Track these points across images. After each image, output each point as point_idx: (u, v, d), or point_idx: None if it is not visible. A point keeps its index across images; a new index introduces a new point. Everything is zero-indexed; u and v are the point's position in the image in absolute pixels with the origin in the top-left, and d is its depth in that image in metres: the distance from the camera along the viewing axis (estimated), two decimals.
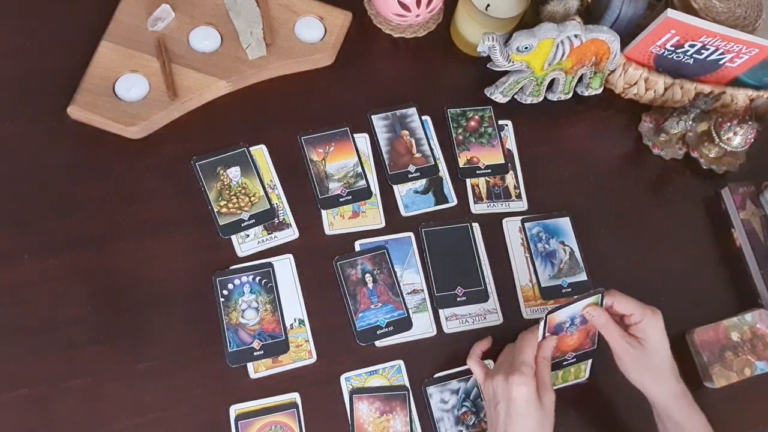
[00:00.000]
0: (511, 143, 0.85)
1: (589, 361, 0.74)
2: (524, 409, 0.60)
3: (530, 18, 0.85)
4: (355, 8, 0.87)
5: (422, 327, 0.74)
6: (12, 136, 0.76)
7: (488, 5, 0.83)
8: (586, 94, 0.88)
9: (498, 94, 0.85)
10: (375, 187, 0.80)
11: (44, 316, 0.69)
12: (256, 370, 0.70)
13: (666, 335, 0.65)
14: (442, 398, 0.71)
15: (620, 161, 0.88)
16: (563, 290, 0.78)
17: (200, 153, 0.78)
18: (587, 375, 0.75)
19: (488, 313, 0.76)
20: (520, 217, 0.81)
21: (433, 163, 0.82)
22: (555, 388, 0.67)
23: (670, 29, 0.78)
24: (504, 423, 0.61)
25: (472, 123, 0.85)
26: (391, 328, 0.73)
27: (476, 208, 0.81)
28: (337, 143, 0.81)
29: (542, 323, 0.65)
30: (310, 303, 0.73)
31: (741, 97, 0.86)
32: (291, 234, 0.76)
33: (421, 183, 0.81)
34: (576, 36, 0.78)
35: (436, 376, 0.73)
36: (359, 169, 0.80)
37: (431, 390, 0.72)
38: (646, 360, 0.65)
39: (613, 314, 0.67)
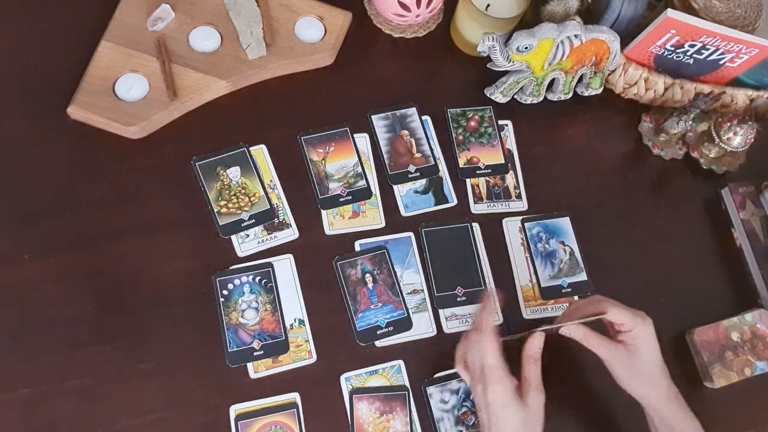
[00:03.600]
0: (511, 143, 0.85)
1: None
2: (501, 411, 0.60)
3: (530, 18, 0.85)
4: (355, 8, 0.87)
5: (422, 327, 0.74)
6: (12, 137, 0.76)
7: (488, 5, 0.83)
8: (586, 94, 0.88)
9: (498, 94, 0.85)
10: (375, 187, 0.80)
11: (44, 316, 0.69)
12: (256, 370, 0.70)
13: (656, 340, 0.65)
14: (442, 398, 0.71)
15: (620, 161, 0.88)
16: (563, 290, 0.78)
17: (200, 153, 0.78)
18: None
19: None
20: (520, 217, 0.81)
21: (433, 163, 0.82)
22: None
23: (670, 29, 0.78)
24: (487, 428, 0.61)
25: (472, 123, 0.85)
26: (391, 328, 0.73)
27: (476, 208, 0.81)
28: (337, 143, 0.81)
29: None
30: (310, 303, 0.73)
31: (741, 97, 0.86)
32: (291, 234, 0.76)
33: (421, 183, 0.81)
34: (576, 36, 0.78)
35: (436, 376, 0.73)
36: (359, 169, 0.80)
37: (431, 390, 0.72)
38: (638, 365, 0.64)
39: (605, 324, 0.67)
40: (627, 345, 0.64)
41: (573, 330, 0.65)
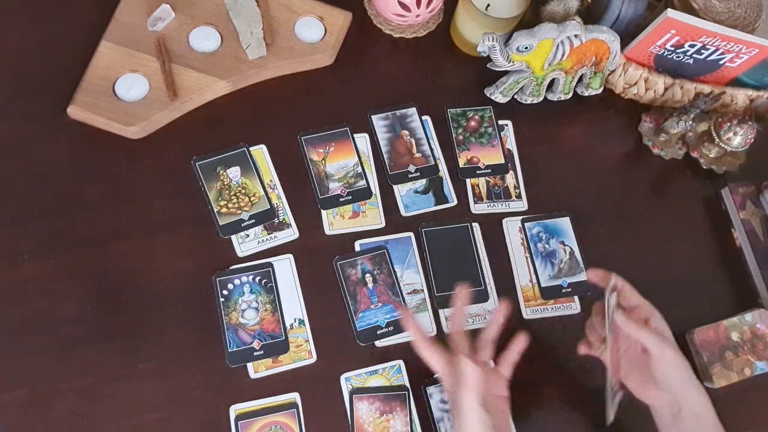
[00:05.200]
0: (511, 143, 0.85)
1: None
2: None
3: (530, 18, 0.85)
4: (355, 8, 0.87)
5: (422, 327, 0.74)
6: (12, 137, 0.76)
7: (488, 5, 0.83)
8: (586, 94, 0.88)
9: (498, 94, 0.85)
10: (375, 187, 0.80)
11: (44, 316, 0.69)
12: (256, 370, 0.70)
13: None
14: (442, 398, 0.71)
15: (620, 161, 0.88)
16: (563, 290, 0.78)
17: (200, 153, 0.78)
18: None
19: (488, 313, 0.76)
20: (520, 217, 0.81)
21: (433, 163, 0.82)
22: None
23: (670, 29, 0.78)
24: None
25: (472, 123, 0.85)
26: (391, 328, 0.73)
27: (476, 208, 0.81)
28: (337, 143, 0.81)
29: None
30: (310, 303, 0.73)
31: (741, 97, 0.86)
32: (291, 234, 0.76)
33: (421, 183, 0.81)
34: (576, 36, 0.78)
35: (436, 376, 0.72)
36: (359, 169, 0.80)
37: (431, 390, 0.72)
38: (674, 361, 0.63)
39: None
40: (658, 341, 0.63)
41: (625, 319, 0.63)
